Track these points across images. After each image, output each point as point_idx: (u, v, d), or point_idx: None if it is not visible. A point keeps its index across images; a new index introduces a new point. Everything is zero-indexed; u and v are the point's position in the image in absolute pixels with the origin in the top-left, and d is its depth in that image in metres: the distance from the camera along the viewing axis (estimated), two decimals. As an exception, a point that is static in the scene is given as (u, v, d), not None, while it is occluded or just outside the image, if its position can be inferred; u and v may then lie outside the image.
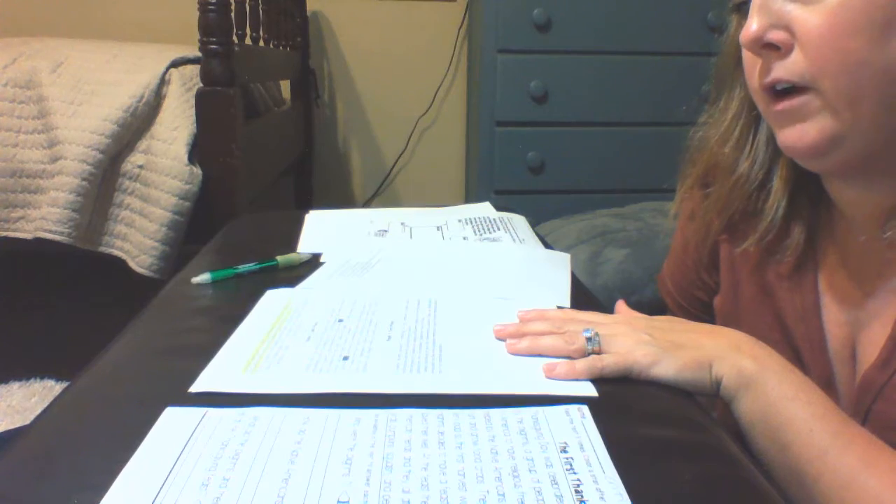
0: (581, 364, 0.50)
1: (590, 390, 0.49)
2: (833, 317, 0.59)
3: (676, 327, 0.55)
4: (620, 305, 0.63)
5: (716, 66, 0.63)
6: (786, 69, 0.50)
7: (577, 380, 0.50)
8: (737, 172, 0.61)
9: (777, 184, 0.60)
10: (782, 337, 0.63)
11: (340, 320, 0.61)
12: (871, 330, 0.56)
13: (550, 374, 0.50)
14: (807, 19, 0.48)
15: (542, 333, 0.54)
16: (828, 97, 0.49)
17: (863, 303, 0.57)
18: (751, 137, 0.61)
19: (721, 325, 0.68)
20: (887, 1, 0.45)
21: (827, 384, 0.59)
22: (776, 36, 0.50)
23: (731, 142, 0.61)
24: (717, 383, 0.51)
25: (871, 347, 0.56)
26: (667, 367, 0.50)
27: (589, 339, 0.52)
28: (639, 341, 0.52)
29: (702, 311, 0.76)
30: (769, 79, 0.52)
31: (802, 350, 0.61)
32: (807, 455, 0.47)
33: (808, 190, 0.60)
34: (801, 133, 0.51)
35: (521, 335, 0.54)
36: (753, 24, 0.50)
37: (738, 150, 0.61)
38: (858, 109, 0.48)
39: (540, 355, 0.52)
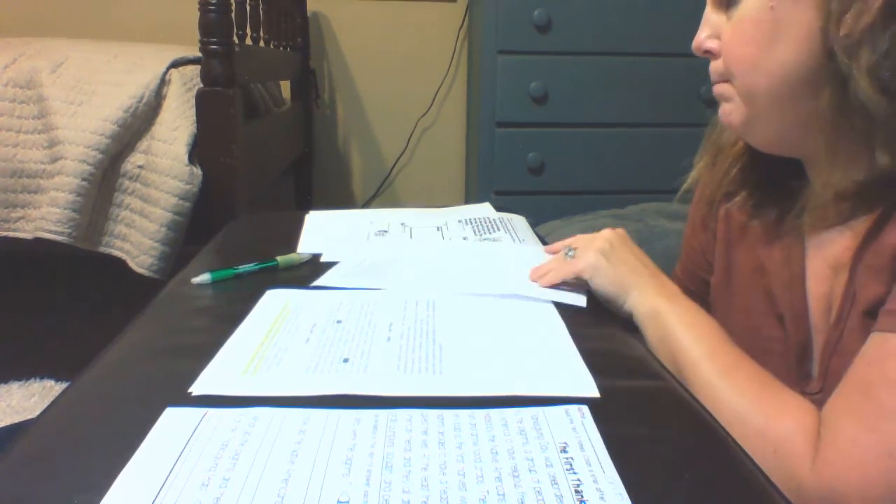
0: (551, 274, 0.70)
1: (591, 391, 0.49)
2: (815, 288, 0.64)
3: (630, 256, 0.70)
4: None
5: None
6: (714, 70, 0.64)
7: (557, 287, 0.69)
8: (735, 147, 0.71)
9: (762, 162, 0.69)
10: (768, 307, 0.68)
11: (339, 321, 0.61)
12: (837, 303, 0.61)
13: (538, 282, 0.70)
14: (725, 31, 0.61)
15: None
16: (738, 90, 0.61)
17: (838, 276, 0.61)
18: None
19: (714, 299, 0.79)
20: (767, 18, 0.57)
21: (803, 350, 0.64)
22: (709, 44, 0.63)
23: None
24: (630, 311, 0.67)
25: (839, 321, 0.60)
26: (598, 281, 0.68)
27: (567, 254, 0.72)
28: (588, 259, 0.68)
29: (707, 294, 0.80)
30: (712, 77, 0.65)
31: (786, 317, 0.66)
32: (687, 364, 0.60)
33: (792, 170, 0.67)
34: (727, 112, 0.64)
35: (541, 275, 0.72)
36: (701, 34, 0.64)
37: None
38: (758, 101, 0.60)
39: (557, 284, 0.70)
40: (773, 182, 0.68)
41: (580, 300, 0.68)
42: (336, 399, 0.47)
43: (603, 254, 0.68)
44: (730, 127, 0.66)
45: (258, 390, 0.48)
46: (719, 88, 0.64)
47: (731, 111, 0.63)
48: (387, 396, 0.48)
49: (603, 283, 0.68)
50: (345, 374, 0.51)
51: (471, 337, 0.58)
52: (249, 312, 0.62)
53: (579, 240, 0.73)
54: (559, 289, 0.69)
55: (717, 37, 0.62)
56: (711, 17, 0.63)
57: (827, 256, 0.63)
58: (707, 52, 0.64)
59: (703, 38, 0.64)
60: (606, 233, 0.72)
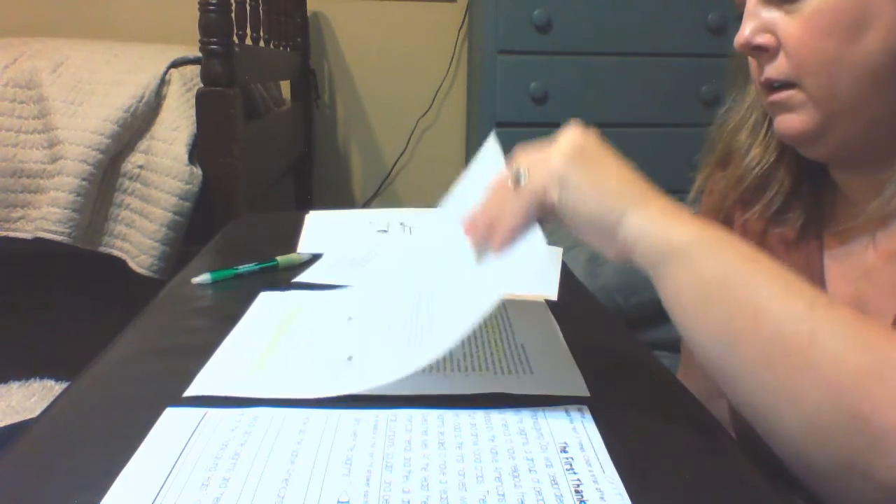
0: (504, 222, 0.49)
1: (581, 390, 0.49)
2: (838, 289, 0.62)
3: (612, 160, 0.50)
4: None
5: (732, 61, 0.68)
6: (774, 69, 0.57)
7: (511, 241, 0.49)
8: (749, 155, 0.66)
9: (784, 166, 0.65)
10: None
11: (350, 318, 0.61)
12: (878, 300, 0.59)
13: (496, 249, 0.50)
14: (788, 25, 0.55)
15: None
16: (809, 92, 0.55)
17: (867, 277, 0.60)
18: (765, 125, 0.65)
19: None
20: (851, 7, 0.52)
21: None
22: (763, 39, 0.56)
23: (745, 129, 0.67)
24: (626, 242, 0.48)
25: (880, 316, 0.58)
26: (570, 198, 0.48)
27: (517, 181, 0.50)
28: (552, 168, 0.48)
29: None
30: (763, 78, 0.58)
31: None
32: (788, 313, 0.43)
33: (813, 172, 0.64)
34: (790, 122, 0.57)
35: (488, 233, 0.51)
36: (746, 30, 0.57)
37: (752, 136, 0.66)
38: (837, 101, 0.54)
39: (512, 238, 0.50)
40: (795, 188, 0.65)
41: (540, 250, 0.50)
42: (336, 399, 0.47)
43: (572, 159, 0.48)
44: (789, 138, 0.59)
45: (255, 392, 0.48)
46: (783, 97, 0.57)
47: (795, 121, 0.57)
48: (386, 396, 0.48)
49: (578, 200, 0.48)
50: (344, 375, 0.51)
51: (469, 335, 0.58)
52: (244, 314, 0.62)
53: (529, 156, 0.51)
54: (522, 275, 0.50)
55: (769, 31, 0.56)
56: (759, 11, 0.57)
57: (855, 260, 0.61)
58: (758, 48, 0.57)
59: (750, 33, 0.57)
60: (569, 133, 0.51)
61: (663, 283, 0.47)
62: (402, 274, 0.72)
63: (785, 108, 0.57)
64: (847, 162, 0.60)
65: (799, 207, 0.65)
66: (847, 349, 0.41)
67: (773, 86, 0.58)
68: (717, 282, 0.45)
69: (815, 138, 0.57)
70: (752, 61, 0.60)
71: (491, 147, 0.59)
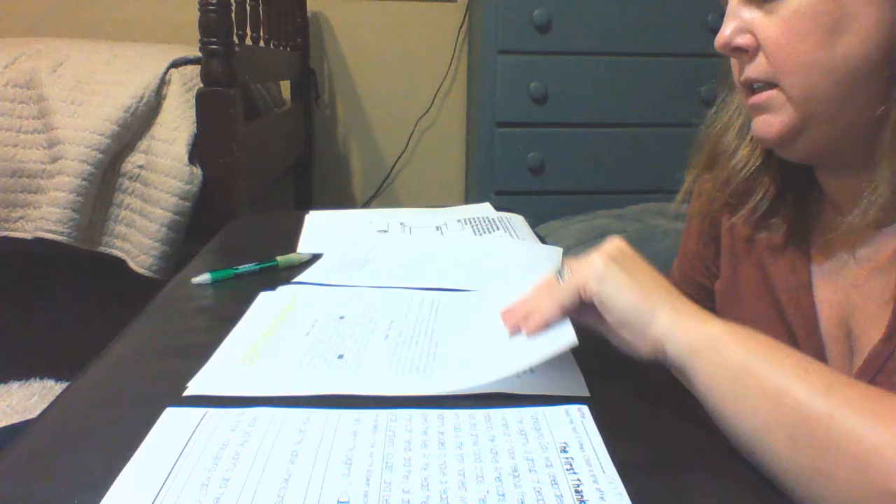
0: (544, 304, 0.55)
1: (581, 390, 0.49)
2: (825, 297, 0.62)
3: (646, 266, 0.56)
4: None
5: (722, 62, 0.68)
6: (753, 69, 0.57)
7: (556, 325, 0.54)
8: (736, 157, 0.66)
9: (770, 170, 0.65)
10: (778, 315, 0.65)
11: (342, 317, 0.61)
12: (866, 310, 0.58)
13: (528, 332, 0.55)
14: (767, 26, 0.55)
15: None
16: (788, 93, 0.56)
17: (855, 285, 0.59)
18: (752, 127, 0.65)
19: (721, 306, 0.73)
20: (830, 9, 0.52)
21: (817, 358, 0.60)
22: (742, 40, 0.57)
23: (732, 131, 0.67)
24: (659, 338, 0.51)
25: (870, 326, 0.57)
26: (611, 293, 0.52)
27: (559, 275, 0.56)
28: (595, 266, 0.54)
29: (705, 299, 0.78)
30: (743, 78, 0.58)
31: (795, 327, 0.63)
32: (807, 394, 0.44)
33: (799, 177, 0.64)
34: (768, 123, 0.58)
35: (523, 320, 0.57)
36: (726, 31, 0.57)
37: (739, 138, 0.66)
38: (814, 103, 0.55)
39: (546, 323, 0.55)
40: (781, 192, 0.64)
41: (567, 337, 0.52)
42: (336, 399, 0.47)
43: (613, 259, 0.54)
44: (766, 141, 0.59)
45: (253, 387, 0.48)
46: (763, 98, 0.57)
47: (773, 123, 0.57)
48: (382, 396, 0.48)
49: (619, 295, 0.52)
50: (338, 373, 0.51)
51: (467, 336, 0.58)
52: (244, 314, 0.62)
53: (574, 261, 0.57)
54: (538, 335, 0.54)
55: (749, 32, 0.56)
56: (740, 11, 0.57)
57: (843, 268, 0.60)
58: (737, 49, 0.57)
59: (730, 34, 0.57)
60: (611, 242, 0.57)
61: (694, 374, 0.49)
62: (396, 278, 0.72)
63: (764, 109, 0.57)
64: (828, 164, 0.60)
65: (785, 213, 0.64)
66: (866, 426, 0.41)
67: (752, 86, 0.58)
68: (742, 368, 0.47)
69: (791, 139, 0.57)
70: (733, 62, 0.60)
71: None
